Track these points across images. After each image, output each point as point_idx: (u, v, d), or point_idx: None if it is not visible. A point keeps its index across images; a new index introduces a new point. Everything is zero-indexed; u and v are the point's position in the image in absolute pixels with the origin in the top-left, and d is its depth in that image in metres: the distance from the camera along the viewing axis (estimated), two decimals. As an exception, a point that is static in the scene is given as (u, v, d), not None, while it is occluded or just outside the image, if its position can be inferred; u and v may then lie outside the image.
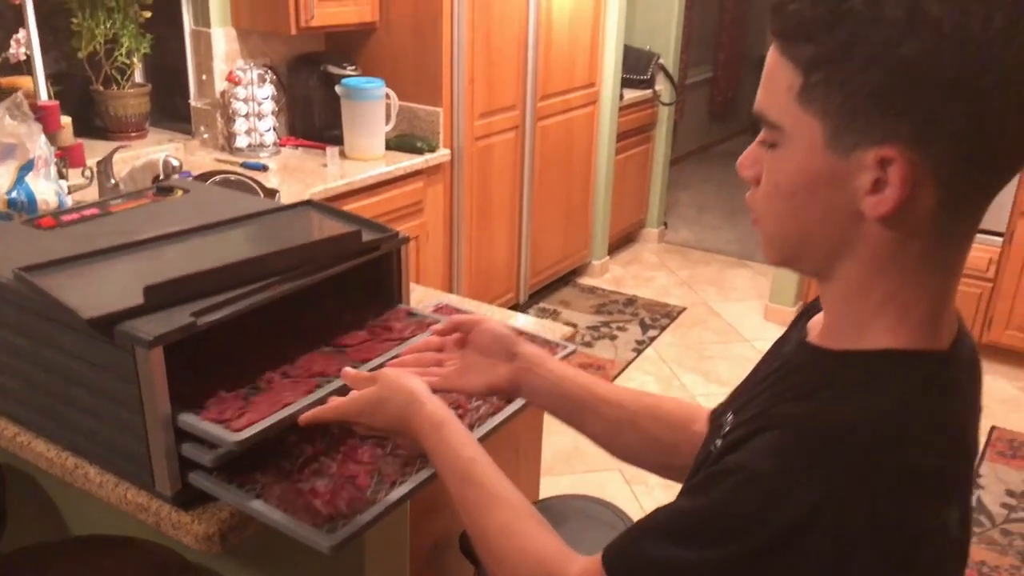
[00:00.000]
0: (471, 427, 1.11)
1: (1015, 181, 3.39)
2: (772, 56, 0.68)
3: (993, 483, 2.88)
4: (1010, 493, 2.84)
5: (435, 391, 0.95)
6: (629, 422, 1.02)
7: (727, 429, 0.75)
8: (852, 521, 0.61)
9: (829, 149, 0.66)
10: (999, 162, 0.65)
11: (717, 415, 0.94)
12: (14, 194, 1.48)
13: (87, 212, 1.22)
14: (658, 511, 0.72)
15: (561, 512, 1.64)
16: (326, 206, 1.27)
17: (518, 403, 1.15)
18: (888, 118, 0.62)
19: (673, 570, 0.67)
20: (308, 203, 1.26)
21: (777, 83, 0.68)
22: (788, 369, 0.76)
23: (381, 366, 1.03)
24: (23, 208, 1.49)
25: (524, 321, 1.76)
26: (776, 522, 0.62)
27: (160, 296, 0.94)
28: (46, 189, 1.50)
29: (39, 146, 1.52)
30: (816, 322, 0.79)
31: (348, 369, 0.98)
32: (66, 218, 1.20)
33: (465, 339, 1.03)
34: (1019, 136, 0.63)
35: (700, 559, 0.65)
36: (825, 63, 0.64)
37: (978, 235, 3.27)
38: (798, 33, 0.65)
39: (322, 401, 0.96)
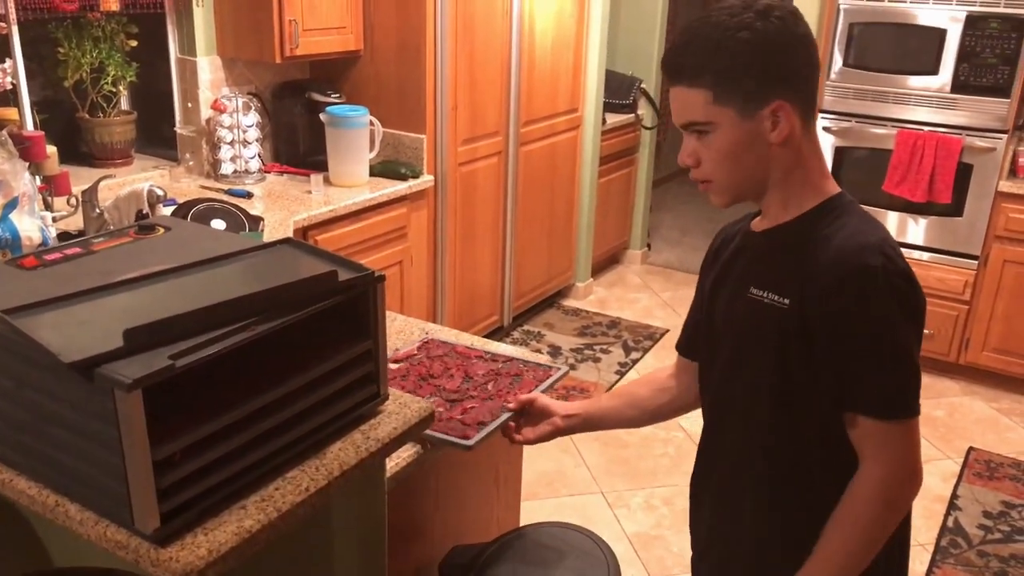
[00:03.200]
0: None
1: (988, 207, 3.46)
2: (679, 91, 1.17)
3: (970, 504, 2.92)
4: (987, 514, 2.88)
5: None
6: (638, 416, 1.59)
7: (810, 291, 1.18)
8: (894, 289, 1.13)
9: (744, 119, 1.15)
10: (814, 92, 1.21)
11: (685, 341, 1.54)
12: (-2, 231, 1.51)
13: (70, 251, 1.24)
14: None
15: (539, 541, 1.66)
16: (304, 244, 1.29)
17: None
18: (765, 87, 1.14)
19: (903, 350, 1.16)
20: (287, 241, 1.29)
21: (694, 102, 1.16)
22: (765, 249, 1.25)
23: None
24: (7, 245, 1.51)
25: (506, 349, 1.79)
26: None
27: (139, 339, 0.96)
28: (30, 226, 1.53)
29: (23, 183, 1.55)
30: (748, 226, 1.31)
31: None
32: (49, 257, 1.22)
33: (530, 410, 1.53)
34: (816, 78, 1.20)
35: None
36: (723, 78, 1.13)
37: (954, 258, 3.35)
38: (698, 70, 1.14)
39: None
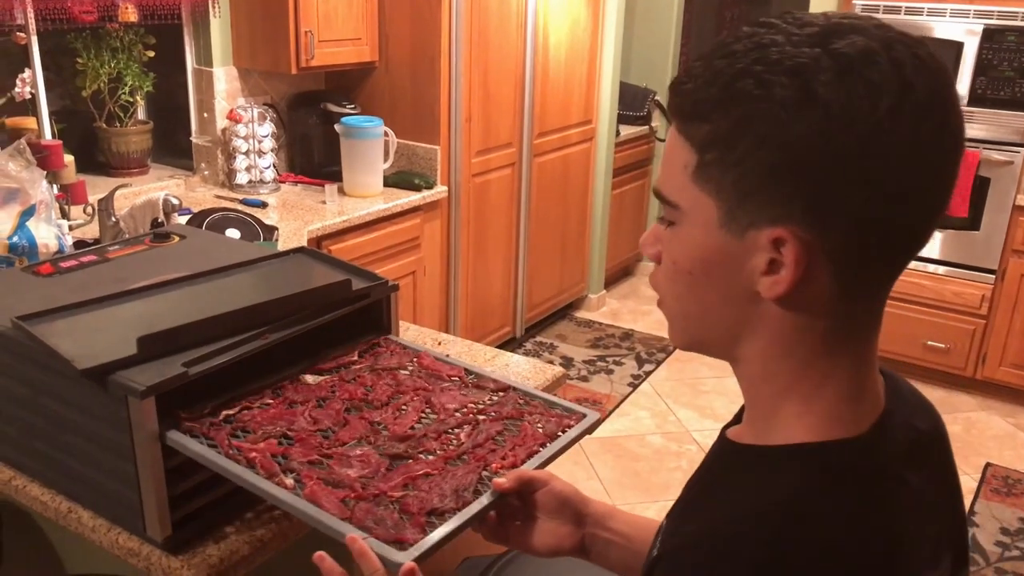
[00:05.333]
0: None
1: (1005, 221, 3.43)
2: (671, 134, 0.68)
3: (988, 521, 2.89)
4: (1004, 531, 2.84)
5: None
6: None
7: (658, 540, 0.75)
8: None
9: (724, 228, 0.65)
10: (895, 246, 0.64)
11: None
12: (15, 239, 1.52)
13: (85, 259, 1.25)
14: None
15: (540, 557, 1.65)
16: (318, 253, 1.30)
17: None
18: (781, 198, 0.62)
19: None
20: (301, 250, 1.29)
21: (675, 161, 0.67)
22: (706, 467, 0.77)
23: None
24: (24, 252, 1.53)
25: (516, 360, 1.77)
26: None
27: (153, 346, 0.97)
28: (47, 234, 1.54)
29: (41, 191, 1.56)
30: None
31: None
32: (65, 265, 1.23)
33: (531, 496, 0.97)
34: (912, 220, 0.63)
35: None
36: (719, 142, 0.63)
37: (971, 272, 3.23)
38: (694, 113, 0.65)
39: None
